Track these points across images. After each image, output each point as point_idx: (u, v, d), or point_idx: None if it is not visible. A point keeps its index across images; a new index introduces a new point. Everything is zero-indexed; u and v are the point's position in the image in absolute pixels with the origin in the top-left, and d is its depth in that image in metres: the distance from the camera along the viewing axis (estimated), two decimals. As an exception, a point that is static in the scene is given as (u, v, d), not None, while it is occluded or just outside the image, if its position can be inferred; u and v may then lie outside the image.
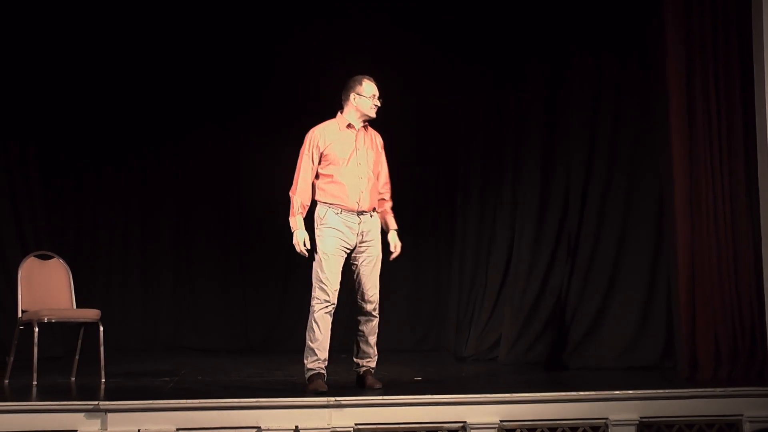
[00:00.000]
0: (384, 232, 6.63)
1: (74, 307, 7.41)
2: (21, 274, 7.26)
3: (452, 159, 9.93)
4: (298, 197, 6.48)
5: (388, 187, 6.70)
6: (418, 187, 10.31)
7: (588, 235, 8.14)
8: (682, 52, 6.99)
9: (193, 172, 10.26)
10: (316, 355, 6.37)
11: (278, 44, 9.95)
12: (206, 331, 10.17)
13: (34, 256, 7.49)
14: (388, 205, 6.69)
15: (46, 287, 7.35)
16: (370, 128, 6.62)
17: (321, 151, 6.47)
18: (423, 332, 10.26)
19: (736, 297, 6.91)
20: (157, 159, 10.23)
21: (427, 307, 10.30)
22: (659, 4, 7.14)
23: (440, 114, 10.05)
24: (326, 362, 6.41)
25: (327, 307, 6.36)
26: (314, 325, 6.37)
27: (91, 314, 7.23)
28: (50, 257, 7.53)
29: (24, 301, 7.18)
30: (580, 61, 8.29)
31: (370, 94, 6.50)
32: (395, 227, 6.66)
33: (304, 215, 6.48)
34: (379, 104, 6.53)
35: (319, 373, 6.36)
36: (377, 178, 6.60)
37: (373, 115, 6.54)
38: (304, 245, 6.40)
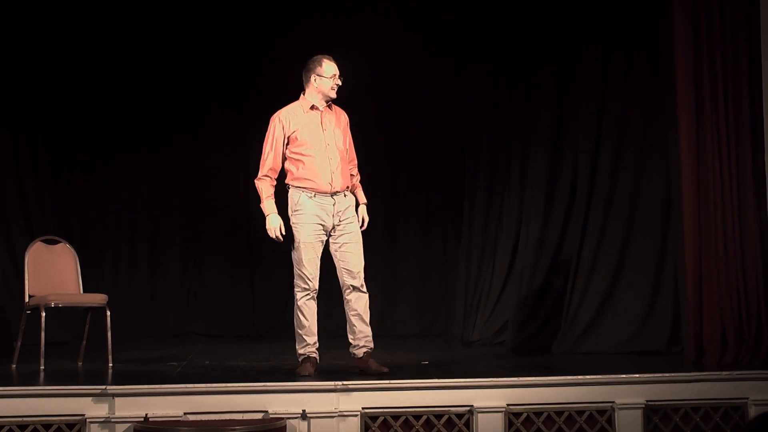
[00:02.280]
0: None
1: (81, 292, 7.43)
2: (28, 259, 7.27)
3: (461, 150, 9.93)
4: (262, 183, 6.49)
5: (355, 162, 6.69)
6: (427, 176, 10.34)
7: (595, 221, 8.13)
8: (690, 47, 6.99)
9: (201, 159, 10.28)
10: (305, 341, 6.43)
11: (282, 35, 9.94)
12: (214, 316, 10.20)
13: (41, 241, 7.49)
14: (357, 179, 6.67)
15: (53, 272, 7.36)
16: (334, 107, 6.60)
17: (287, 134, 6.46)
18: (430, 317, 10.28)
19: (743, 282, 6.91)
20: (165, 147, 10.24)
21: (434, 292, 10.31)
22: (668, 1, 7.12)
23: (450, 107, 10.05)
24: (316, 345, 6.45)
25: (308, 293, 6.41)
26: (298, 313, 6.44)
27: (98, 299, 7.24)
28: (57, 242, 7.53)
29: (31, 286, 7.19)
30: (588, 56, 8.28)
31: (330, 74, 6.46)
32: (364, 201, 6.64)
33: (274, 199, 6.48)
34: (339, 83, 6.48)
35: (308, 357, 6.40)
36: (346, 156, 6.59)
37: (334, 96, 6.51)
38: (280, 231, 6.41)
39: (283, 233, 6.45)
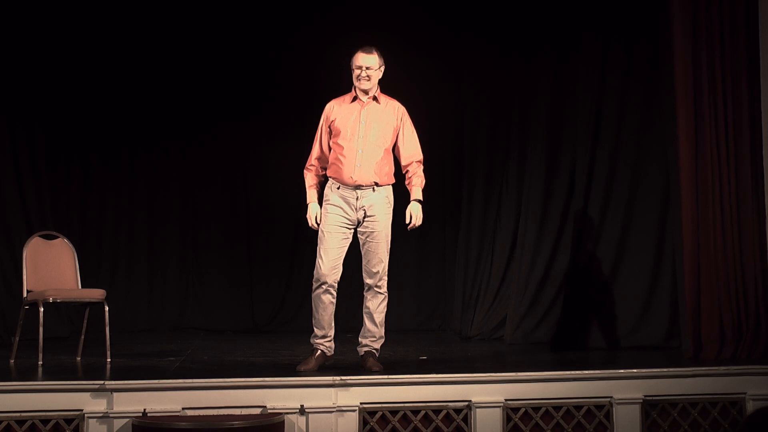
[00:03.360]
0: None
1: (79, 287, 7.42)
2: (26, 254, 7.26)
3: (458, 141, 9.90)
4: (306, 173, 6.55)
5: (414, 159, 6.55)
6: (424, 169, 10.29)
7: (593, 215, 8.14)
8: (689, 38, 7.00)
9: (200, 152, 10.25)
10: (314, 332, 6.43)
11: (287, 27, 9.95)
12: (212, 311, 10.18)
13: (39, 236, 7.48)
14: (414, 175, 6.55)
15: (52, 267, 7.35)
16: (388, 100, 6.55)
17: (328, 124, 6.48)
18: (429, 312, 10.27)
19: (741, 278, 6.92)
20: (163, 141, 10.20)
21: (432, 287, 10.30)
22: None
23: (447, 97, 10.02)
24: (326, 339, 6.41)
25: (321, 286, 6.35)
26: (312, 304, 6.43)
27: (97, 294, 7.23)
28: (55, 237, 7.52)
29: (29, 281, 7.18)
30: (587, 46, 8.27)
31: (355, 66, 6.45)
32: (415, 197, 6.52)
33: (318, 188, 6.51)
34: (365, 75, 6.42)
35: (314, 350, 6.38)
36: (395, 152, 6.53)
37: (363, 87, 6.45)
38: (316, 220, 6.42)
39: (319, 222, 6.44)
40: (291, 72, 10.01)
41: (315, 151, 6.54)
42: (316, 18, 9.86)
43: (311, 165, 6.55)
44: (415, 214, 6.49)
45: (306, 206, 6.50)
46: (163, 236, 10.25)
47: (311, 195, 6.51)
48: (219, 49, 10.09)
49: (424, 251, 10.28)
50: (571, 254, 8.25)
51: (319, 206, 6.47)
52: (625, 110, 8.07)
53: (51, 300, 7.03)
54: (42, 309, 6.95)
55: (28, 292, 7.14)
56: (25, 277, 7.19)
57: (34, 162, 9.41)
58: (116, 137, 10.06)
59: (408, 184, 6.57)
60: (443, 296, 10.22)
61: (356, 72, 6.43)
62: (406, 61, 9.98)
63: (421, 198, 6.54)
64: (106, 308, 7.17)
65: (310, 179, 6.54)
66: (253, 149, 10.18)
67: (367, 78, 6.42)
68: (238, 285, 10.28)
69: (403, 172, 6.59)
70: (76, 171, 10.05)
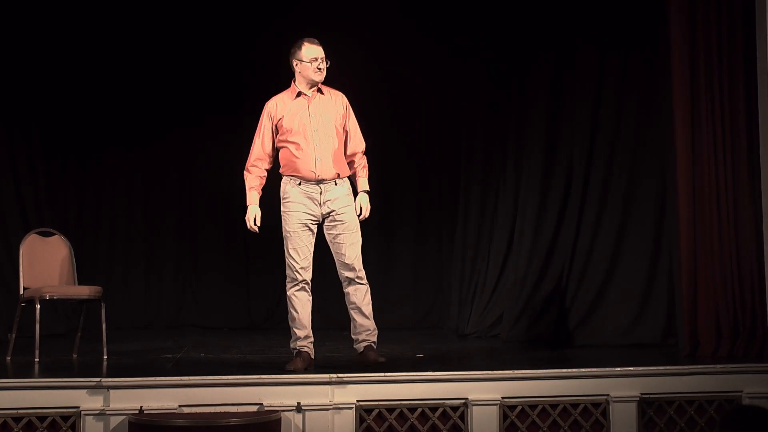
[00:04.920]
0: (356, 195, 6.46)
1: (76, 284, 7.41)
2: (22, 251, 7.25)
3: (456, 141, 9.90)
4: (247, 174, 6.41)
5: (359, 148, 6.49)
6: (421, 167, 10.31)
7: (590, 214, 8.14)
8: (687, 43, 6.99)
9: (197, 151, 10.25)
10: (296, 334, 6.34)
11: (275, 25, 9.90)
12: (208, 308, 10.19)
13: (36, 233, 7.46)
14: (360, 165, 6.48)
15: (48, 264, 7.34)
16: (329, 90, 6.44)
17: (274, 122, 6.35)
18: (425, 310, 10.28)
19: (737, 276, 6.93)
20: (160, 139, 10.19)
21: (429, 284, 10.31)
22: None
23: (444, 98, 10.03)
24: (309, 338, 6.34)
25: (296, 284, 6.30)
26: (289, 305, 6.36)
27: (93, 291, 7.22)
28: (52, 234, 7.51)
29: (26, 278, 7.18)
30: (584, 50, 8.29)
31: (310, 58, 6.29)
32: (363, 189, 6.44)
33: (260, 190, 6.40)
34: (322, 67, 6.30)
35: (300, 351, 6.30)
36: (344, 141, 6.43)
37: (318, 79, 6.32)
38: (255, 222, 6.35)
39: (258, 224, 6.36)
40: (288, 71, 9.98)
41: (255, 151, 6.40)
42: (307, 15, 9.80)
43: (252, 166, 6.40)
44: (365, 206, 6.41)
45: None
46: (159, 233, 10.25)
47: (251, 197, 6.38)
48: (218, 49, 10.10)
49: (421, 249, 10.28)
50: (567, 252, 8.25)
51: (259, 209, 6.36)
52: (622, 112, 8.07)
53: (48, 297, 7.02)
54: (39, 306, 6.94)
55: (24, 289, 7.14)
56: (21, 274, 7.18)
57: (31, 160, 9.43)
58: (112, 136, 10.07)
59: (354, 175, 6.46)
60: (440, 294, 10.22)
61: (312, 64, 6.27)
62: (404, 61, 10.02)
63: (368, 188, 6.46)
64: (103, 305, 7.17)
65: (250, 180, 6.39)
66: (248, 147, 10.16)
67: (324, 69, 6.30)
68: (234, 282, 10.29)
69: (348, 161, 6.45)
70: (72, 169, 10.06)
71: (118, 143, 10.10)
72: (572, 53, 8.39)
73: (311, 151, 6.26)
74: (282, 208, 6.35)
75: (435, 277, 10.29)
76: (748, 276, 6.92)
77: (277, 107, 6.37)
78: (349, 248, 6.33)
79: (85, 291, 7.25)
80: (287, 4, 9.82)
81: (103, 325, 7.13)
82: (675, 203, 7.07)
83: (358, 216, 6.40)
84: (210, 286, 10.25)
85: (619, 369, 6.22)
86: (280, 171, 6.40)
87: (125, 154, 10.15)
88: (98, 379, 5.79)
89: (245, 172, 6.44)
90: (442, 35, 9.88)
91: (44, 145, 9.62)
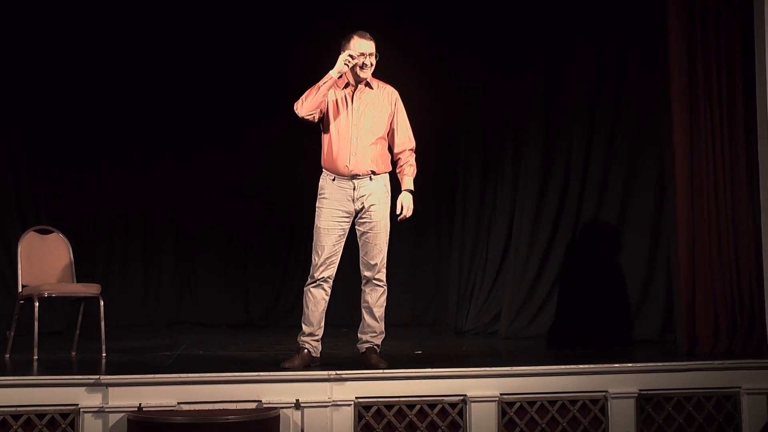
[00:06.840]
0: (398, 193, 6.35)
1: (75, 281, 7.41)
2: (21, 248, 7.25)
3: (454, 135, 9.88)
4: (299, 102, 6.19)
5: (406, 146, 6.36)
6: (419, 162, 10.26)
7: (588, 210, 8.16)
8: (684, 36, 6.99)
9: (196, 149, 10.24)
10: (302, 329, 6.29)
11: (278, 27, 9.92)
12: (207, 306, 10.19)
13: (34, 230, 7.46)
14: (406, 164, 6.36)
15: (47, 262, 7.34)
16: (380, 84, 6.33)
17: (328, 99, 6.21)
18: (423, 306, 10.28)
19: (736, 273, 6.93)
20: (159, 139, 10.17)
21: (427, 281, 10.30)
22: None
23: (442, 92, 10.01)
24: (313, 337, 6.28)
25: (314, 281, 6.24)
26: (304, 299, 6.29)
27: (92, 289, 7.22)
28: (50, 232, 7.51)
29: (24, 276, 7.17)
30: (582, 42, 8.30)
31: (358, 53, 6.18)
32: (406, 187, 6.32)
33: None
34: (368, 62, 6.18)
35: (300, 348, 6.25)
36: (389, 138, 6.32)
37: (363, 76, 6.22)
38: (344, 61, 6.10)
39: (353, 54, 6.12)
40: (286, 74, 9.96)
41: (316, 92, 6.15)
42: (303, 18, 9.80)
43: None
44: (406, 205, 6.31)
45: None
46: (158, 231, 10.25)
47: (326, 76, 6.11)
48: (216, 49, 10.07)
49: (420, 245, 10.27)
50: (565, 249, 8.26)
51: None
52: (620, 105, 8.10)
53: (46, 295, 7.02)
54: (37, 304, 6.95)
55: (23, 286, 7.13)
56: (20, 271, 7.17)
57: (30, 160, 9.44)
58: (111, 137, 10.04)
59: (399, 173, 6.37)
60: (438, 290, 10.22)
61: (359, 60, 6.16)
62: (400, 55, 9.99)
63: (412, 188, 6.35)
64: (102, 303, 7.17)
65: (306, 95, 6.15)
66: (249, 145, 10.18)
67: (370, 65, 6.20)
68: (233, 280, 10.29)
69: (395, 159, 6.38)
70: (71, 169, 10.04)
71: (116, 144, 10.07)
72: (571, 43, 8.39)
73: (348, 145, 6.16)
74: (317, 203, 6.26)
75: (434, 273, 10.29)
76: (746, 272, 6.93)
77: (334, 90, 6.23)
78: (373, 248, 6.26)
79: (83, 289, 7.25)
80: (288, 15, 9.84)
81: (102, 323, 7.13)
82: (673, 198, 7.07)
83: (398, 215, 6.32)
84: (208, 284, 10.24)
85: (617, 365, 6.22)
86: (321, 164, 6.29)
87: (123, 154, 10.12)
88: (97, 377, 5.80)
89: (296, 104, 6.18)
90: (440, 24, 9.84)
91: (43, 146, 9.60)
